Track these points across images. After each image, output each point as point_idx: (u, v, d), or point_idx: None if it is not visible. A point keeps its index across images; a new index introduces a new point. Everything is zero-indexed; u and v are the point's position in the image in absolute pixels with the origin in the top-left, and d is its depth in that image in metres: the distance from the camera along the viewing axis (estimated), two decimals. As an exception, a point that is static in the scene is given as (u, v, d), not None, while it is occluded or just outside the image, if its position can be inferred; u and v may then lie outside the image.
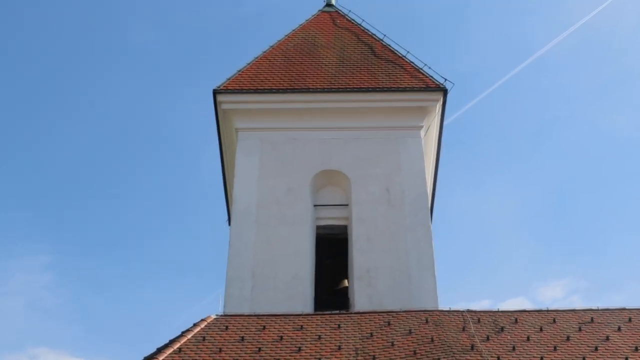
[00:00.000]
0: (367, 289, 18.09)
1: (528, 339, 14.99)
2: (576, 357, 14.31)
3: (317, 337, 15.21)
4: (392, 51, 22.45)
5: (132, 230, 60.32)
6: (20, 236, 59.82)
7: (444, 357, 14.15)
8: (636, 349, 14.61)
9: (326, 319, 16.08)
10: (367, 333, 15.38)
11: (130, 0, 62.45)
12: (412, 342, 14.89)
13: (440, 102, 20.69)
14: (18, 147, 59.31)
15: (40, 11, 60.02)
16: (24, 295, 59.24)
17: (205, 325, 15.74)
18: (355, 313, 16.84)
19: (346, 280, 19.85)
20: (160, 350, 14.66)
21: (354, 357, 14.43)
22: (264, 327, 15.64)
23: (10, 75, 59.36)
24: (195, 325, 15.71)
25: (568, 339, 15.04)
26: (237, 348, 14.81)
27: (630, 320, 15.90)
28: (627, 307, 16.50)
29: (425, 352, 14.46)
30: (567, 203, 59.01)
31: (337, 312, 17.05)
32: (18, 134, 59.40)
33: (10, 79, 59.50)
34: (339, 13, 24.86)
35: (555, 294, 57.40)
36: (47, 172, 59.81)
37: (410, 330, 15.40)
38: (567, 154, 59.36)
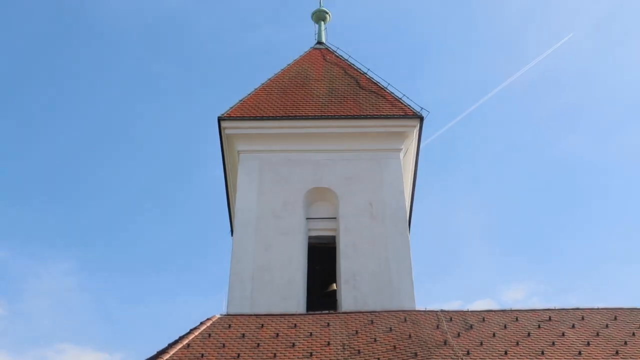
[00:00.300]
0: (352, 291, 18.02)
1: (494, 335, 14.99)
2: (536, 351, 14.32)
3: (309, 334, 15.18)
4: (375, 83, 22.41)
5: (146, 240, 60.23)
6: (47, 243, 59.65)
7: (420, 352, 14.15)
8: (588, 344, 14.63)
9: (317, 318, 16.04)
10: (353, 330, 15.35)
11: (150, 41, 62.52)
12: (393, 339, 14.88)
13: (417, 128, 20.66)
14: (52, 164, 59.52)
15: (64, 45, 60.06)
16: (51, 297, 58.95)
17: (211, 324, 15.71)
18: (343, 313, 16.80)
19: (334, 284, 19.84)
20: (171, 346, 14.69)
21: (341, 351, 14.40)
22: (262, 325, 15.61)
23: (55, 98, 59.56)
24: (201, 323, 15.69)
25: (529, 335, 15.03)
26: (238, 343, 14.78)
27: (583, 318, 15.91)
28: (580, 307, 16.50)
29: (404, 347, 14.45)
30: (527, 216, 59.26)
31: (327, 312, 17.04)
32: (54, 154, 59.57)
33: (55, 100, 59.64)
34: (328, 50, 24.85)
35: (518, 295, 57.38)
36: (78, 188, 59.82)
37: (390, 328, 15.39)
38: (526, 173, 59.83)
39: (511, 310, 16.40)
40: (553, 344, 14.61)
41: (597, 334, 15.14)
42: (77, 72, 60.02)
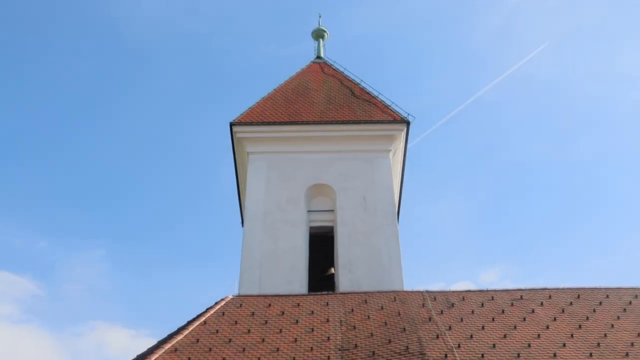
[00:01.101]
0: (348, 275, 18.00)
1: (473, 312, 15.07)
2: (509, 326, 14.41)
3: (311, 312, 15.25)
4: (367, 92, 22.36)
5: (166, 233, 60.34)
6: (81, 234, 59.78)
7: (408, 327, 14.24)
8: (555, 319, 14.73)
9: (317, 298, 16.10)
10: (349, 309, 15.41)
11: (172, 58, 62.73)
12: (384, 316, 14.96)
13: (405, 131, 20.64)
14: (85, 167, 59.73)
15: (88, 48, 60.14)
16: (84, 281, 59.11)
17: (224, 303, 15.77)
18: (340, 293, 16.81)
19: (333, 268, 19.84)
20: (190, 322, 14.79)
21: (339, 327, 14.47)
22: (270, 305, 15.67)
23: (76, 104, 59.75)
24: (216, 303, 15.76)
25: (503, 312, 15.12)
26: (249, 320, 14.86)
27: (550, 297, 16.00)
28: (547, 287, 16.57)
29: (394, 323, 14.54)
30: (500, 209, 59.74)
31: (326, 292, 17.04)
32: (84, 158, 59.72)
33: (76, 107, 59.81)
34: (326, 64, 24.82)
35: (492, 278, 57.58)
36: (103, 187, 59.99)
37: (382, 306, 15.46)
38: (501, 171, 60.24)
39: (488, 290, 16.45)
40: (524, 319, 14.71)
41: (563, 311, 15.24)
42: (109, 84, 60.35)
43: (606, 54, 59.67)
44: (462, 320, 14.64)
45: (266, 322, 14.76)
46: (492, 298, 15.91)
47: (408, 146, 21.40)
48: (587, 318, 14.85)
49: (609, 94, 59.20)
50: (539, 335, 13.88)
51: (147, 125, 61.12)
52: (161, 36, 62.11)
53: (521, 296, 16.02)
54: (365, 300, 15.83)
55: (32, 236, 58.48)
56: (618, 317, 14.94)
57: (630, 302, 15.73)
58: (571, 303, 15.66)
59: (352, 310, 15.33)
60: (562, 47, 58.84)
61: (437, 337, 13.73)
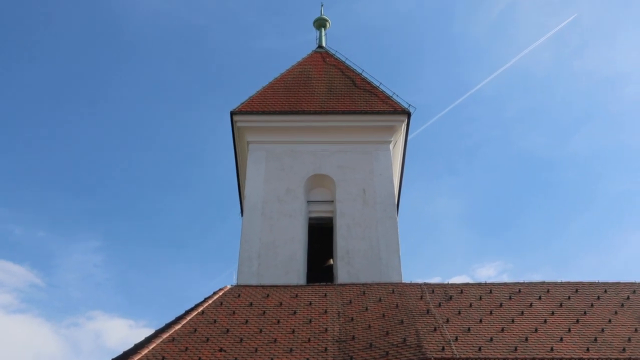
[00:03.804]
0: (347, 266, 18.09)
1: (470, 305, 15.17)
2: (507, 319, 14.52)
3: (309, 303, 15.37)
4: (369, 82, 22.45)
5: (164, 222, 60.52)
6: (77, 224, 59.98)
7: (406, 319, 14.33)
8: (553, 314, 14.85)
9: (316, 289, 16.22)
10: (347, 300, 15.53)
11: (173, 48, 62.78)
12: (382, 308, 15.06)
13: (405, 123, 20.73)
14: (83, 167, 59.82)
15: (94, 47, 60.08)
16: (80, 272, 59.33)
17: (223, 294, 15.89)
18: (338, 285, 16.92)
19: (331, 260, 19.99)
20: (187, 312, 14.90)
21: (337, 319, 14.58)
22: (268, 295, 15.80)
23: (80, 97, 59.79)
24: (214, 293, 15.88)
25: (501, 305, 15.24)
26: (247, 311, 14.98)
27: (548, 291, 16.12)
28: (546, 281, 16.70)
29: (392, 315, 14.62)
30: (497, 204, 60.22)
31: (324, 284, 17.14)
32: (82, 150, 59.83)
33: (80, 101, 59.89)
34: (327, 53, 24.90)
35: (489, 273, 57.95)
36: (103, 181, 60.22)
37: (380, 298, 15.57)
38: (497, 166, 60.62)
39: (486, 284, 16.58)
40: (522, 313, 14.83)
41: (561, 305, 15.36)
42: (111, 76, 60.40)
43: (603, 48, 59.87)
44: (460, 313, 14.73)
45: (264, 312, 14.87)
46: (491, 291, 16.03)
47: (408, 138, 21.53)
48: (585, 312, 14.99)
49: (605, 90, 59.41)
50: (536, 329, 13.98)
51: (147, 115, 61.37)
52: (160, 28, 62.63)
53: (519, 290, 16.15)
54: (364, 292, 15.95)
55: (30, 226, 58.70)
56: (616, 312, 15.08)
57: (628, 297, 15.88)
58: (569, 297, 15.79)
59: (350, 301, 15.44)
60: (556, 43, 59.07)
61: (435, 329, 13.81)
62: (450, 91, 60.85)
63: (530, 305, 15.30)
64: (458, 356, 12.60)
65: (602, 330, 14.13)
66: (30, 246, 57.90)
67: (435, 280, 17.66)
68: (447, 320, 14.30)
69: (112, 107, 60.44)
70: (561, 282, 16.72)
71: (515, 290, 16.13)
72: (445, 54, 62.97)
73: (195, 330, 14.10)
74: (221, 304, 15.34)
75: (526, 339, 13.56)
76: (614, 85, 60.04)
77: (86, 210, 59.28)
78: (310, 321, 14.45)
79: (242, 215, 20.35)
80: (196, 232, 59.12)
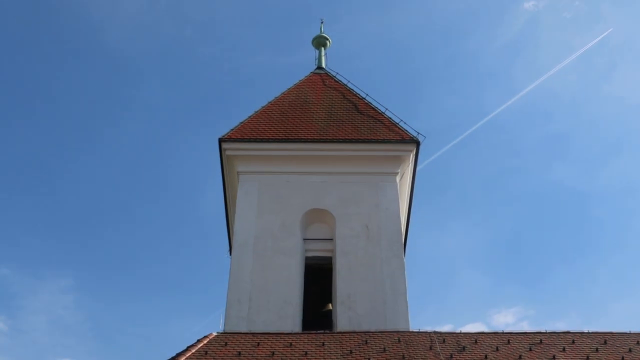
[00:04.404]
0: (348, 312, 17.95)
1: (486, 357, 14.91)
2: (527, 374, 14.29)
3: (304, 353, 15.11)
4: (373, 108, 22.42)
5: (143, 259, 60.20)
6: (45, 262, 59.65)
7: (414, 373, 14.13)
8: (579, 367, 14.61)
9: (312, 338, 15.97)
10: (347, 350, 15.27)
11: (154, 64, 62.91)
12: (386, 359, 14.81)
13: (414, 153, 20.66)
14: (52, 190, 59.57)
15: (70, 68, 60.27)
16: (47, 314, 58.91)
17: (207, 341, 15.63)
18: (338, 333, 16.71)
19: (330, 304, 19.76)
20: (168, 363, 14.65)
21: (336, 371, 14.31)
22: (258, 344, 15.52)
23: (43, 120, 59.75)
24: (198, 341, 15.61)
25: (520, 357, 14.96)
26: (234, 362, 14.68)
27: (573, 342, 15.85)
28: (571, 331, 16.43)
29: (397, 367, 14.37)
30: (516, 243, 59.72)
31: (322, 331, 16.85)
32: (50, 181, 59.66)
33: (44, 124, 59.83)
34: (327, 75, 24.90)
35: (508, 320, 57.52)
36: (71, 208, 59.78)
37: (384, 348, 15.32)
38: (516, 200, 60.26)
39: (503, 333, 16.33)
40: (544, 367, 14.55)
41: (587, 358, 15.11)
42: (87, 97, 60.46)
43: (632, 70, 59.98)
44: (474, 366, 14.44)
45: (254, 363, 14.52)
46: (508, 342, 15.77)
47: (417, 169, 21.39)
48: (615, 367, 14.69)
49: (637, 117, 59.40)
50: (560, 386, 13.74)
51: (126, 141, 61.10)
52: (143, 42, 62.44)
53: (541, 340, 15.88)
54: (366, 341, 15.69)
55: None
56: (649, 367, 14.82)
57: (663, 350, 15.59)
58: (597, 349, 15.50)
59: (351, 351, 15.19)
60: (582, 65, 59.25)
61: (446, 385, 13.59)
62: (464, 117, 60.72)
63: (553, 358, 15.00)
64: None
65: (635, 387, 13.83)
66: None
67: (446, 328, 17.45)
68: (460, 375, 13.99)
69: (87, 131, 60.30)
70: (588, 333, 16.42)
71: (537, 341, 15.83)
72: (459, 76, 63.00)
73: (176, 383, 13.81)
74: (206, 353, 15.05)
75: (550, 397, 13.28)
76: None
77: (55, 246, 59.02)
78: (306, 374, 14.12)
79: (230, 253, 20.19)
80: (179, 271, 58.80)
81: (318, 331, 16.84)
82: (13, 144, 59.36)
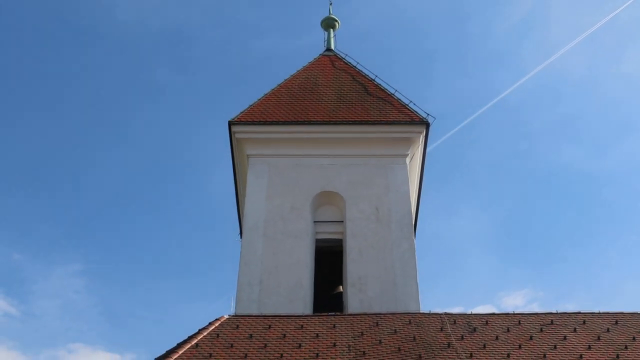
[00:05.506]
0: (358, 294, 18.00)
1: (497, 338, 14.98)
2: (538, 354, 14.31)
3: (316, 335, 15.19)
4: (383, 89, 22.38)
5: (154, 243, 60.38)
6: (56, 246, 59.88)
7: (425, 354, 14.15)
8: (589, 347, 14.63)
9: (323, 320, 16.04)
10: (358, 332, 15.34)
11: (161, 48, 62.86)
12: (397, 341, 14.87)
13: (424, 134, 20.63)
14: (61, 175, 59.76)
15: (82, 59, 60.28)
16: (59, 298, 59.19)
17: (219, 324, 15.72)
18: (349, 315, 16.78)
19: (341, 286, 19.83)
20: (180, 345, 14.71)
21: (347, 353, 14.40)
22: (270, 326, 15.61)
23: (58, 115, 59.90)
24: (210, 324, 15.70)
25: (531, 338, 15.02)
26: (246, 344, 14.79)
27: (584, 322, 15.88)
28: (582, 311, 16.45)
29: (409, 349, 14.44)
30: (526, 224, 59.51)
31: (333, 313, 16.99)
32: (60, 164, 59.82)
33: (58, 118, 59.98)
34: (337, 57, 24.85)
35: (517, 302, 57.58)
36: (81, 193, 60.01)
37: (395, 330, 15.38)
38: (526, 181, 60.03)
39: (514, 314, 16.37)
40: (555, 347, 14.61)
41: (599, 338, 15.13)
42: (96, 81, 60.50)
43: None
44: (484, 347, 14.55)
45: (265, 345, 14.70)
46: (519, 322, 15.83)
47: (427, 151, 21.42)
48: (626, 347, 14.73)
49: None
50: (571, 366, 13.79)
51: (134, 124, 61.28)
52: (151, 25, 62.36)
53: (552, 321, 15.93)
54: (377, 323, 15.78)
55: (3, 248, 58.65)
56: (660, 347, 14.86)
57: (675, 330, 15.64)
58: (608, 330, 15.54)
59: (362, 333, 15.27)
60: (592, 45, 58.90)
61: (457, 365, 13.64)
62: (472, 99, 60.63)
63: (564, 338, 15.07)
64: (483, 396, 12.40)
65: (646, 367, 13.91)
66: (3, 271, 57.71)
67: (457, 309, 17.49)
68: (471, 355, 14.13)
69: (91, 119, 60.32)
70: (599, 313, 16.46)
71: (547, 322, 15.89)
72: (468, 57, 62.74)
73: (188, 365, 13.89)
74: (217, 335, 15.17)
75: (560, 377, 13.38)
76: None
77: (66, 230, 59.20)
78: (317, 355, 14.26)
79: (241, 236, 20.28)
80: (190, 254, 58.92)
81: (329, 313, 16.95)
82: (21, 134, 59.69)
